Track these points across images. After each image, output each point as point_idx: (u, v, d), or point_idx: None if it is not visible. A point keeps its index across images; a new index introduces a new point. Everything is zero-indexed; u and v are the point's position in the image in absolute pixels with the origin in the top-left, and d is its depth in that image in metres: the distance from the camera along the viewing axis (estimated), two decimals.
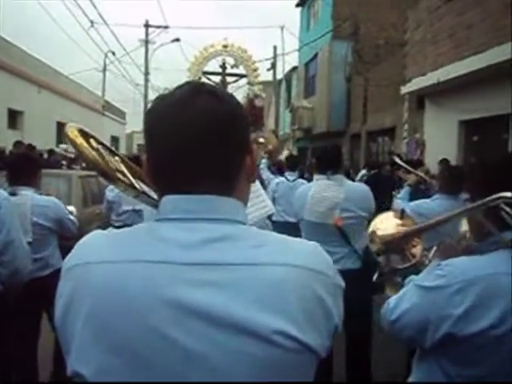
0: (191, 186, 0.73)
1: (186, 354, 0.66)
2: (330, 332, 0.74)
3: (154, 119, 0.76)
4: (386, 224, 1.86)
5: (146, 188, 0.95)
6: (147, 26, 23.48)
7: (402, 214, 1.91)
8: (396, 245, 1.76)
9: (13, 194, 2.59)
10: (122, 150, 27.42)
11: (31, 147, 9.18)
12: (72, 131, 0.94)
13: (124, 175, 0.95)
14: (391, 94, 11.17)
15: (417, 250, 1.70)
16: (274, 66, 19.53)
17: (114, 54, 24.05)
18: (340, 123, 15.04)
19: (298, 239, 0.79)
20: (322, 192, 2.85)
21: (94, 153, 0.92)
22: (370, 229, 1.90)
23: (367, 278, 1.64)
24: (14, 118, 13.91)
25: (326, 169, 2.91)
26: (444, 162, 6.06)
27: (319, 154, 3.20)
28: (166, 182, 0.76)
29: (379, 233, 1.81)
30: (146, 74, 23.29)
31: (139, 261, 0.70)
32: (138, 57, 23.44)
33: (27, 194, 2.75)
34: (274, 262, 0.70)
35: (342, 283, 0.79)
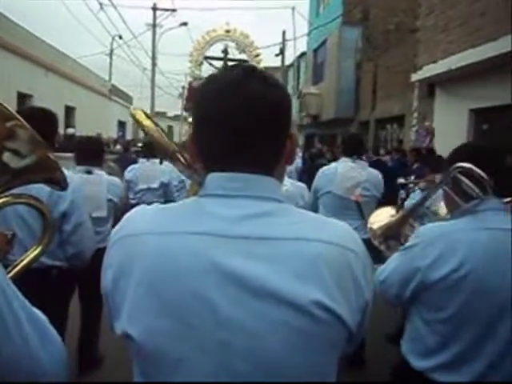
0: (237, 166, 0.77)
1: (225, 318, 0.71)
2: (360, 307, 0.78)
3: (206, 101, 0.79)
4: (381, 217, 2.03)
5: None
6: (155, 9, 23.28)
7: (398, 209, 2.09)
8: (393, 231, 1.93)
9: (88, 172, 2.92)
10: (129, 135, 27.39)
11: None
12: (139, 114, 1.00)
13: (181, 155, 1.01)
14: (401, 81, 11.09)
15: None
16: (282, 52, 19.37)
17: (121, 37, 23.96)
18: (348, 110, 14.97)
19: (330, 219, 0.84)
20: (348, 172, 3.42)
21: (158, 134, 1.00)
22: (369, 225, 2.05)
23: (374, 247, 1.83)
24: (23, 101, 13.94)
25: (352, 153, 3.49)
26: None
27: (346, 140, 3.80)
28: (213, 160, 0.79)
29: (375, 225, 1.99)
30: (154, 58, 23.15)
31: (187, 232, 0.75)
32: (145, 41, 23.32)
33: (102, 173, 3.05)
34: (311, 238, 0.75)
35: (370, 261, 0.84)
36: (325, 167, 3.69)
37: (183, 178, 4.80)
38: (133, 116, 1.00)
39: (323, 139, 16.93)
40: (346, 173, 3.39)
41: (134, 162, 8.69)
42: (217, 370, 0.72)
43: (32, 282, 1.85)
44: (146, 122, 0.99)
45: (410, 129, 10.68)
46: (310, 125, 18.95)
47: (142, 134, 32.50)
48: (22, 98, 13.82)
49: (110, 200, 3.06)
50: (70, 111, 17.66)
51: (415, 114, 10.34)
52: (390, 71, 11.60)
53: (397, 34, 14.06)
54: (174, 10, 23.89)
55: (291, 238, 0.75)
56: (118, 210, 3.35)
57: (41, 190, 1.81)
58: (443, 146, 8.51)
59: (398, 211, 2.02)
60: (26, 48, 13.64)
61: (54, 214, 2.06)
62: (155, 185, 4.92)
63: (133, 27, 21.26)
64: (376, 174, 3.50)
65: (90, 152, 3.06)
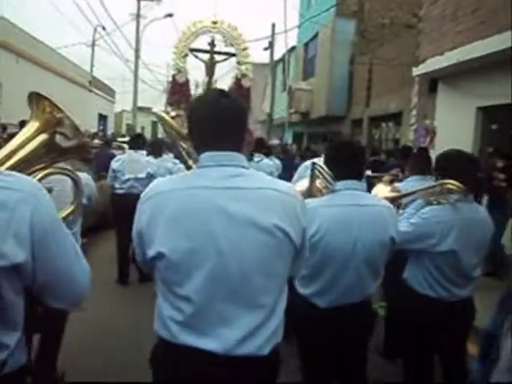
0: (220, 146, 1.33)
1: (222, 237, 1.25)
2: (301, 231, 1.37)
3: (197, 111, 1.37)
4: (381, 190, 2.89)
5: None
6: None
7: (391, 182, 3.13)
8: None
9: None
10: (110, 129, 26.31)
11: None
12: (160, 112, 1.61)
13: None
14: (398, 76, 10.40)
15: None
16: (271, 46, 18.56)
17: (104, 28, 22.84)
18: (340, 108, 14.23)
19: (279, 180, 1.48)
20: None
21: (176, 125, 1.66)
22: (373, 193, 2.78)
23: None
24: None
25: None
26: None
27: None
28: (205, 144, 1.35)
29: (380, 195, 2.75)
30: (137, 50, 22.13)
31: (192, 187, 1.30)
32: (128, 31, 22.27)
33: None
34: (270, 187, 1.33)
35: (305, 203, 1.46)
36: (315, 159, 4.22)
37: (168, 175, 4.88)
38: (156, 114, 1.60)
39: (313, 137, 16.22)
40: None
41: (113, 158, 7.65)
42: (214, 271, 1.25)
43: None
44: (167, 117, 1.60)
45: (408, 127, 9.99)
46: (300, 122, 18.20)
47: (124, 128, 31.43)
48: None
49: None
50: None
51: (414, 112, 9.65)
52: (386, 66, 10.89)
53: (391, 28, 13.42)
54: (159, 0, 22.95)
55: (258, 187, 1.31)
56: (89, 209, 3.06)
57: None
58: (447, 146, 7.85)
59: (391, 182, 3.13)
60: None
61: None
62: (142, 175, 5.12)
63: (115, 16, 20.19)
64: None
65: None
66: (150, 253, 1.27)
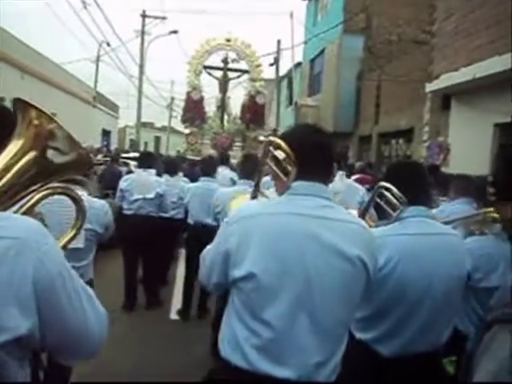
0: (312, 177, 1.41)
1: (309, 263, 1.30)
2: (374, 261, 1.43)
3: (299, 143, 1.44)
4: None
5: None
6: (144, 16, 22.36)
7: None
8: None
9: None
10: (114, 144, 26.24)
11: None
12: (276, 139, 1.50)
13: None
14: (407, 93, 10.24)
15: None
16: (276, 62, 18.52)
17: (109, 44, 22.88)
18: (348, 124, 14.06)
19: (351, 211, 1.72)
20: None
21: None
22: None
23: None
24: None
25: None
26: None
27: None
28: (299, 173, 1.39)
29: None
30: (141, 66, 22.14)
31: (285, 213, 1.35)
32: (133, 47, 22.30)
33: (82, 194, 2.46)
34: (352, 221, 1.42)
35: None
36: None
37: (182, 195, 5.15)
38: (276, 142, 1.47)
39: None
40: None
41: (120, 175, 7.29)
42: (299, 296, 1.28)
43: None
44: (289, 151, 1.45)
45: (419, 144, 9.78)
46: None
47: (127, 144, 31.15)
48: None
49: (89, 229, 2.54)
50: None
51: (426, 128, 9.45)
52: (395, 82, 10.75)
53: (399, 44, 13.35)
54: (163, 18, 23.01)
55: (343, 220, 1.40)
56: (103, 239, 2.86)
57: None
58: (462, 164, 7.65)
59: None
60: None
61: None
62: (151, 195, 4.91)
63: (120, 32, 20.28)
64: (354, 186, 4.18)
65: None
66: (237, 273, 1.30)
